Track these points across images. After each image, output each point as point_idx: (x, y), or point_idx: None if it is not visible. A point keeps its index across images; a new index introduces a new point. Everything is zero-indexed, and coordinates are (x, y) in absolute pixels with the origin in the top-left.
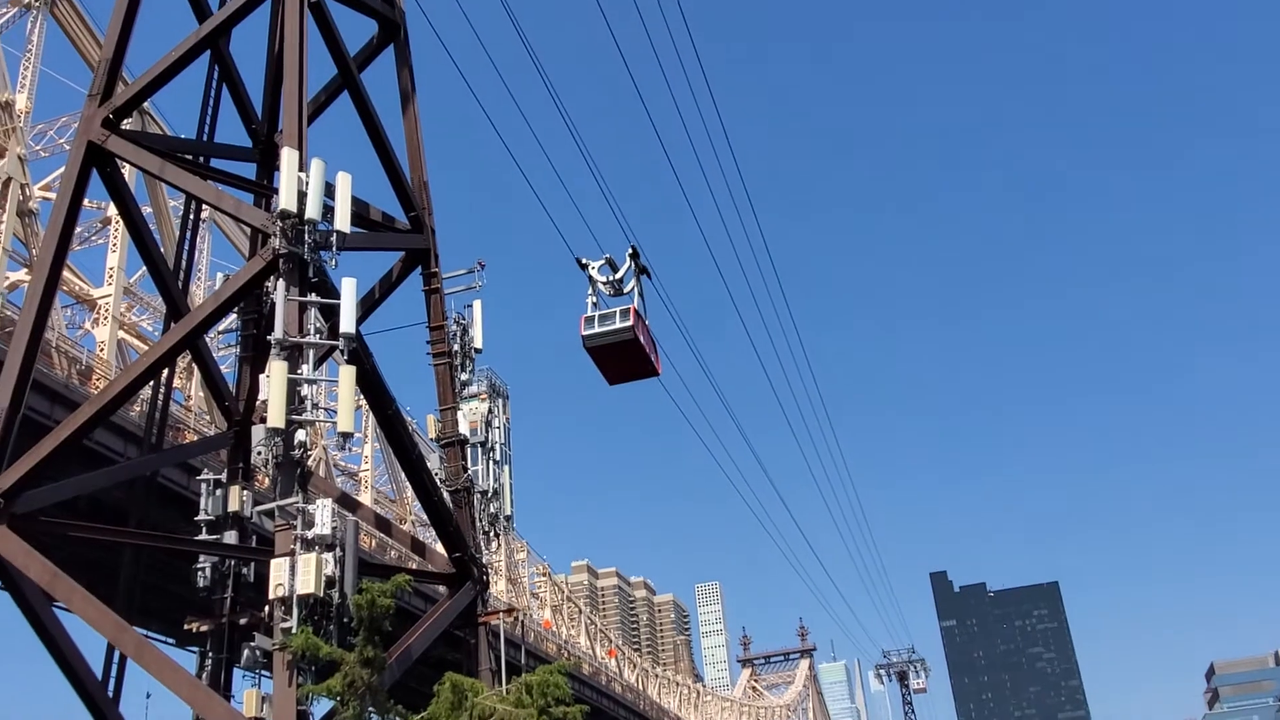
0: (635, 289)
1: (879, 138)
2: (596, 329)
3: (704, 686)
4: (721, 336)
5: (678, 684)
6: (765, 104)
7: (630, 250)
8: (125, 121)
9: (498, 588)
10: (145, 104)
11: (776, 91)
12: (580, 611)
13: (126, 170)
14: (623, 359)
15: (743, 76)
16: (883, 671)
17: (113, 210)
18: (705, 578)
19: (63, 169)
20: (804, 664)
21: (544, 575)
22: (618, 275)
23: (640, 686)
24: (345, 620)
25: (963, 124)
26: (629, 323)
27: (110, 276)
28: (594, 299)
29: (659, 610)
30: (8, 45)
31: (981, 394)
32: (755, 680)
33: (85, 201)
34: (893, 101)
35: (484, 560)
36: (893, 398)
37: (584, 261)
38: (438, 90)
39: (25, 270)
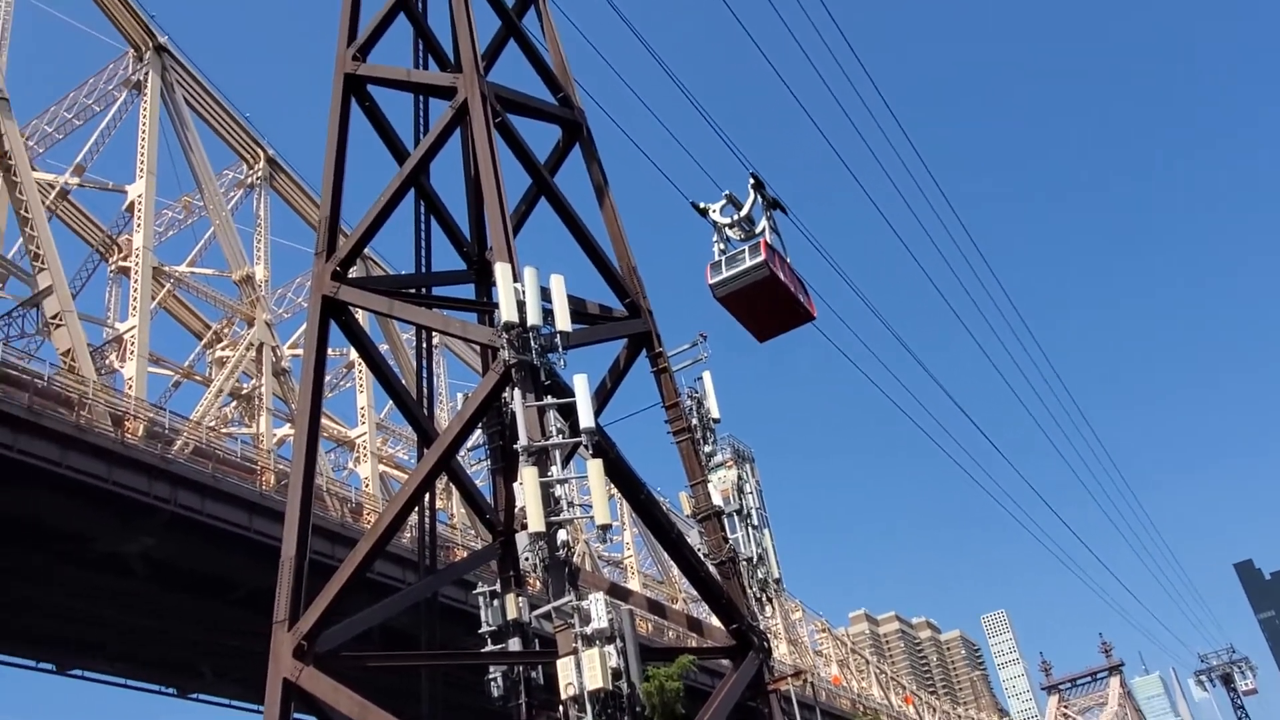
0: (767, 225)
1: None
2: (725, 273)
3: None
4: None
5: None
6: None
7: (752, 181)
8: (350, 270)
9: (780, 652)
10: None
11: None
12: (867, 662)
13: (360, 315)
14: (764, 304)
15: None
16: (1203, 677)
17: (354, 354)
18: (988, 608)
19: (304, 326)
20: (1114, 682)
21: (823, 631)
22: (743, 213)
23: None
24: (638, 709)
25: None
26: (761, 257)
27: (362, 416)
28: (721, 245)
29: (947, 648)
30: (238, 223)
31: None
32: (1064, 707)
33: (329, 351)
34: None
35: (762, 626)
36: (1138, 373)
37: (703, 206)
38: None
39: (288, 425)
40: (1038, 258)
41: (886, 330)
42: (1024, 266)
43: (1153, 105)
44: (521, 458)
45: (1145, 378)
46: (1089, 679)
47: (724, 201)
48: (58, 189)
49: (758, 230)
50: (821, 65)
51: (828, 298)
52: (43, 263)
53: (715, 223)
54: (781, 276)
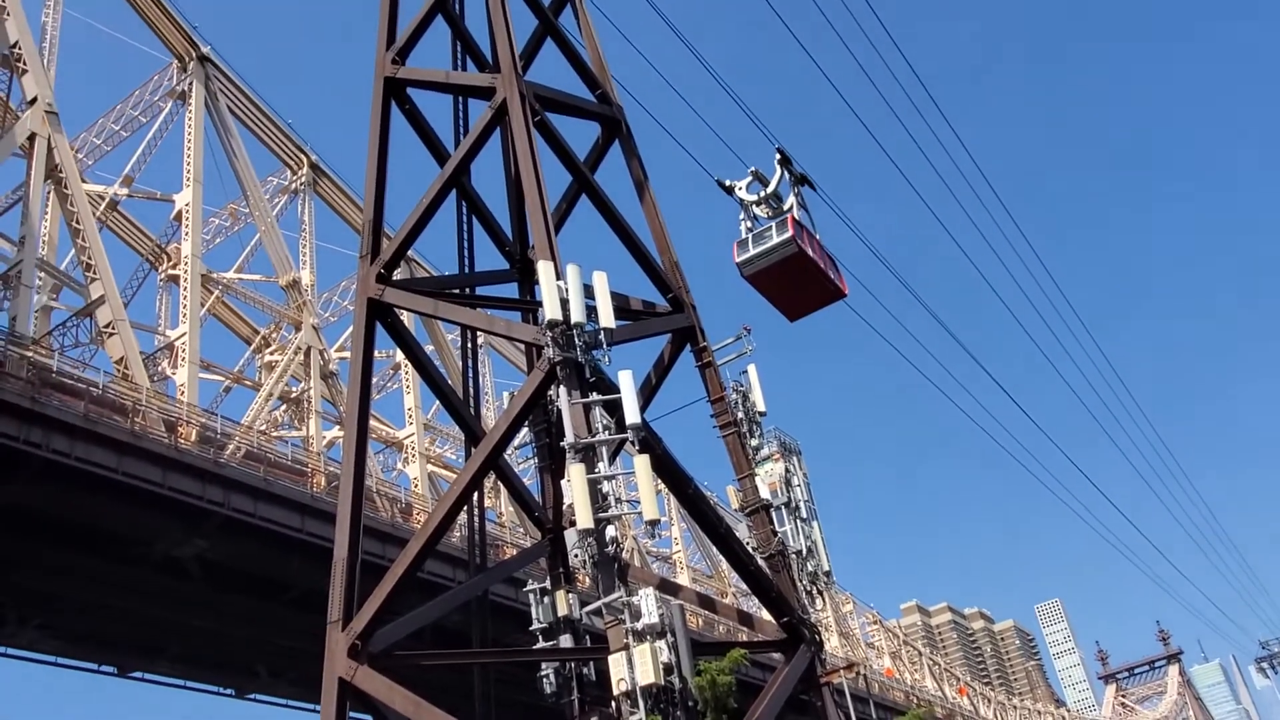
0: (795, 202)
1: None
2: (752, 251)
3: (1068, 711)
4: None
5: (1039, 713)
6: None
7: (778, 156)
8: (395, 272)
9: (832, 644)
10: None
11: None
12: (920, 654)
13: (405, 316)
14: (793, 281)
15: None
16: (1265, 664)
17: (400, 356)
18: (1042, 597)
19: (351, 329)
20: (1173, 670)
21: (875, 623)
22: (770, 189)
23: None
24: (691, 704)
25: None
26: (789, 233)
27: (410, 417)
28: (748, 224)
29: (1001, 639)
30: (283, 229)
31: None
32: (1122, 696)
33: (375, 353)
34: None
35: (812, 619)
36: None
37: (729, 184)
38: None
39: (337, 427)
40: (1080, 232)
41: (926, 312)
42: (1066, 243)
43: (1205, 55)
44: (568, 455)
45: (1200, 359)
46: (1147, 668)
47: (750, 179)
48: (107, 200)
49: (785, 207)
50: (848, 35)
51: (863, 277)
52: (95, 273)
53: (742, 200)
54: (810, 253)
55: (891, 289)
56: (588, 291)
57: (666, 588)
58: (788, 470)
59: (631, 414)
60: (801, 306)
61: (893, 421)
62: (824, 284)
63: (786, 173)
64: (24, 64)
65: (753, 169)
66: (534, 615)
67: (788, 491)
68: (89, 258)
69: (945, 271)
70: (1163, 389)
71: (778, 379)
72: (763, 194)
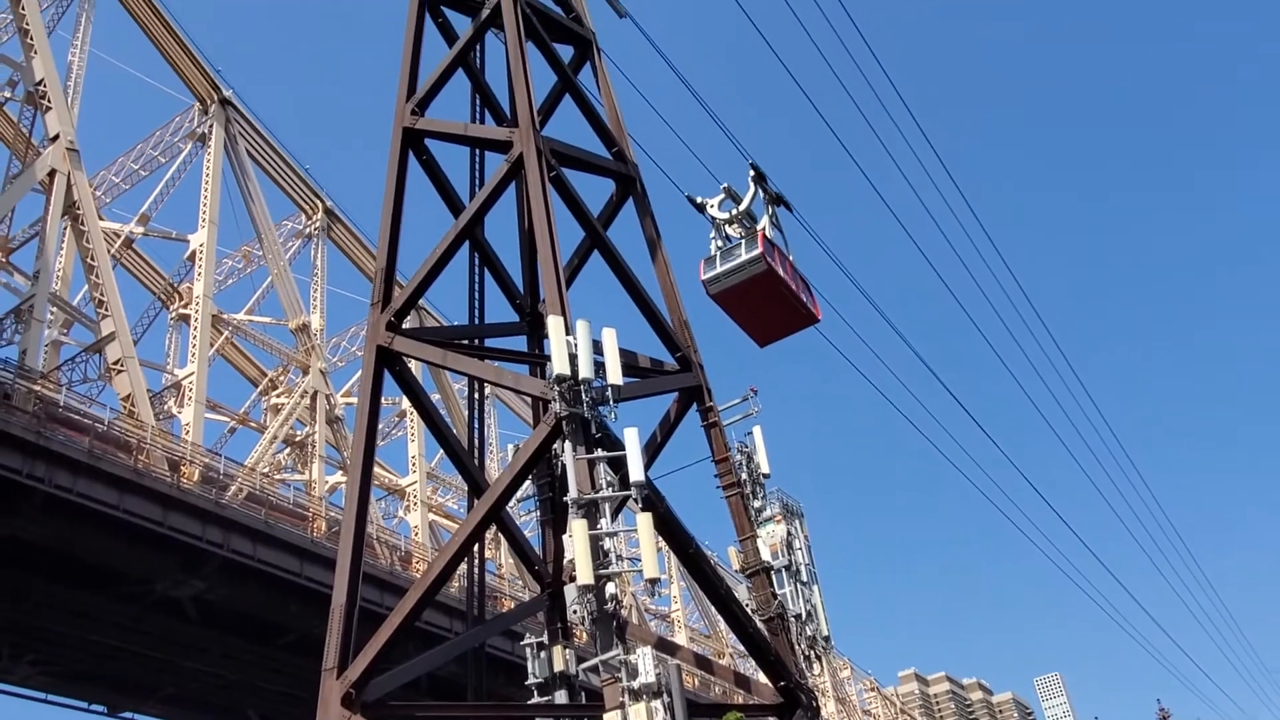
0: (768, 222)
1: None
2: (719, 268)
3: None
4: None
5: None
6: None
7: (752, 173)
8: (405, 321)
9: (828, 710)
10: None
11: None
12: None
13: (412, 364)
14: (762, 302)
15: None
16: None
17: (406, 404)
18: (1042, 669)
19: (358, 375)
20: None
21: (872, 690)
22: (743, 207)
23: None
24: None
25: None
26: (758, 250)
27: (413, 465)
28: (719, 243)
29: (999, 710)
30: (295, 273)
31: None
32: None
33: (382, 399)
34: None
35: (810, 684)
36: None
37: (700, 200)
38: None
39: (340, 472)
40: (1079, 284)
41: (927, 368)
42: (1064, 292)
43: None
44: (571, 510)
45: (1204, 423)
46: None
47: (722, 196)
48: (123, 238)
49: (760, 226)
50: (830, 54)
51: (866, 331)
52: (106, 309)
53: (713, 219)
54: (780, 272)
55: (891, 346)
56: (596, 347)
57: (664, 646)
58: (789, 533)
59: (636, 472)
60: (771, 330)
61: (894, 490)
62: (796, 307)
63: (761, 191)
64: (48, 101)
65: (725, 185)
66: (530, 669)
67: (789, 554)
68: (101, 294)
69: (951, 324)
70: (1161, 454)
71: (778, 432)
72: (735, 212)
